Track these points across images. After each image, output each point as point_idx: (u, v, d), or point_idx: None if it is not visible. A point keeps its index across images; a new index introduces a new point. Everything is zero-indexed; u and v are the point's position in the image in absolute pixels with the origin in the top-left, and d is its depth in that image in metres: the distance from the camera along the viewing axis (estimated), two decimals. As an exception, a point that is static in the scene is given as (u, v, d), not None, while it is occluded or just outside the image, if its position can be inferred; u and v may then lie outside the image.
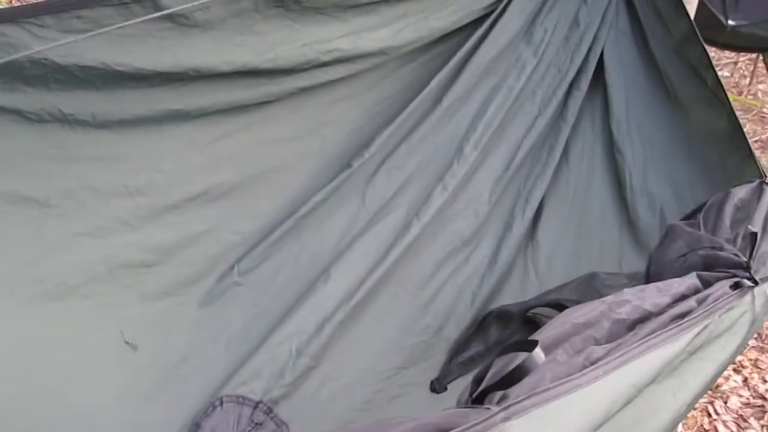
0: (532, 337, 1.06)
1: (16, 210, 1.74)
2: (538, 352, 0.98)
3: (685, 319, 1.19)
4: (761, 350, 4.67)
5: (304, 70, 1.99)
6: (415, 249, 2.20)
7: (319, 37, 1.98)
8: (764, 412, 4.15)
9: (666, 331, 1.13)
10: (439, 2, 2.19)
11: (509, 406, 0.95)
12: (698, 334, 1.22)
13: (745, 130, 6.76)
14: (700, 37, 2.10)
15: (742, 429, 3.99)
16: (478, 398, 1.02)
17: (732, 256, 1.45)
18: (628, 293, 1.23)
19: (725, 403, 4.16)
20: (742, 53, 8.20)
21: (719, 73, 7.22)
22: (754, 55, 7.58)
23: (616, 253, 2.17)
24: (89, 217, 1.83)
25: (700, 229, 1.65)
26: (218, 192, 2.01)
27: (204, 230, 2.01)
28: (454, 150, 2.22)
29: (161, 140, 1.89)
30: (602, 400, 1.02)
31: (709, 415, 4.06)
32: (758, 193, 1.74)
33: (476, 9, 2.28)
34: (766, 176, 1.80)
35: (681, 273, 1.49)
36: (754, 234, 1.43)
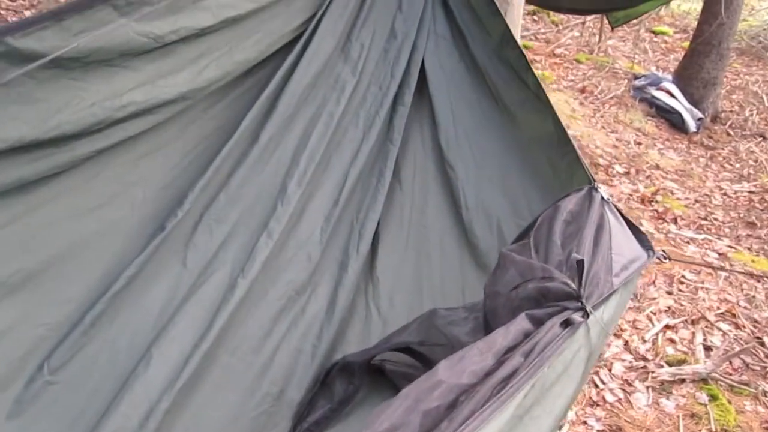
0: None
1: None
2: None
3: (510, 385, 1.10)
4: (638, 310, 4.78)
5: (98, 130, 1.79)
6: (245, 310, 2.07)
7: (108, 92, 1.80)
8: (647, 372, 4.24)
9: (487, 407, 1.03)
10: (242, 32, 2.04)
11: None
12: (527, 394, 1.12)
13: (600, 87, 6.88)
14: (517, 39, 2.03)
15: (629, 393, 4.07)
16: None
17: (562, 285, 1.38)
18: (442, 369, 1.14)
19: (610, 370, 4.24)
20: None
21: (570, 34, 7.39)
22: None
23: (458, 279, 2.11)
24: None
25: (531, 252, 1.58)
26: (14, 283, 1.78)
27: (2, 329, 1.77)
28: (277, 191, 2.10)
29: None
30: None
31: (596, 386, 4.12)
32: (588, 200, 1.69)
33: (285, 33, 2.16)
34: (594, 181, 1.75)
35: (514, 307, 1.43)
36: (581, 262, 1.36)
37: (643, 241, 1.69)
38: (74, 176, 1.85)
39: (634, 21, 8.12)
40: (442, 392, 1.10)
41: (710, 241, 5.80)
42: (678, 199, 6.49)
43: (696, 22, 8.45)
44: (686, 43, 8.79)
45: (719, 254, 5.61)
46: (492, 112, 2.18)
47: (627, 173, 6.71)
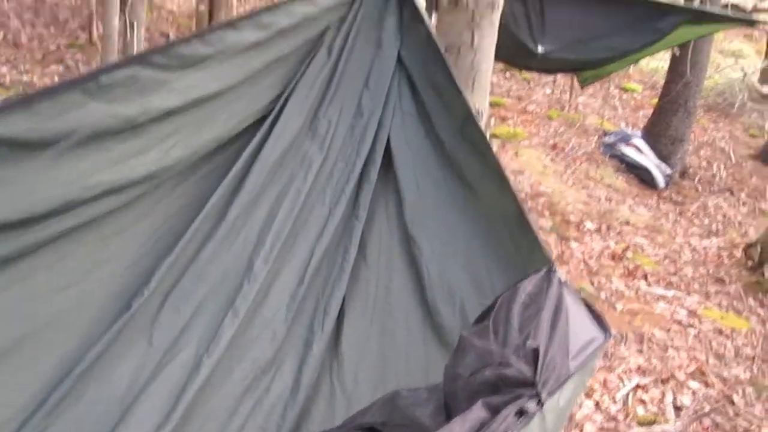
0: None
1: None
2: None
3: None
4: (609, 369, 4.82)
5: (67, 210, 1.81)
6: (210, 389, 2.08)
7: (78, 173, 1.83)
8: (617, 433, 4.26)
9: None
10: (211, 111, 2.08)
11: None
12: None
13: (571, 144, 7.04)
14: (477, 119, 2.09)
15: (599, 455, 4.10)
16: None
17: (518, 374, 1.41)
18: None
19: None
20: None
21: (541, 91, 7.59)
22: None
23: (422, 357, 2.14)
24: None
25: (490, 335, 1.61)
26: None
27: None
28: (244, 269, 2.12)
29: None
30: None
31: (567, 449, 4.13)
32: (546, 282, 1.73)
33: (254, 111, 2.20)
34: (552, 263, 1.79)
35: (473, 391, 1.46)
36: (536, 350, 1.40)
37: (600, 323, 1.73)
38: (43, 256, 1.86)
39: (604, 78, 8.32)
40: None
41: (680, 298, 5.88)
42: (648, 255, 6.58)
43: (664, 80, 8.67)
44: (655, 100, 9.00)
45: (689, 311, 5.68)
46: (456, 190, 2.22)
47: (598, 229, 6.81)
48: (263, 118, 2.22)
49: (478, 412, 1.35)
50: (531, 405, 1.37)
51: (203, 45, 1.98)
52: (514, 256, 2.04)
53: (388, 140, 2.30)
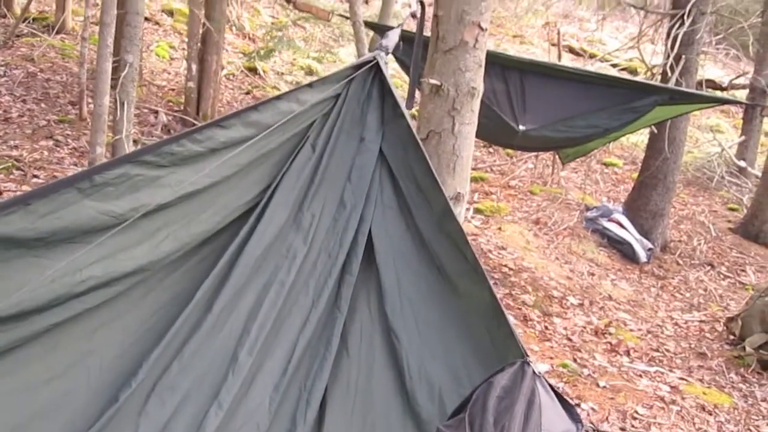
0: None
1: None
2: None
3: None
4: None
5: (58, 304, 1.88)
6: None
7: (69, 268, 1.92)
8: None
9: None
10: (200, 205, 2.18)
11: None
12: None
13: (553, 219, 7.16)
14: (455, 214, 2.19)
15: None
16: None
17: (492, 467, 1.48)
18: None
19: None
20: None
21: (524, 166, 7.74)
22: (551, 151, 8.21)
23: None
24: None
25: (466, 428, 1.68)
26: None
27: None
28: (229, 360, 2.20)
29: None
30: None
31: None
32: (520, 374, 1.81)
33: (241, 204, 2.31)
34: (527, 355, 1.87)
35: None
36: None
37: (573, 414, 1.81)
38: (32, 348, 1.93)
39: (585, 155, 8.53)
40: None
41: (662, 373, 5.93)
42: (631, 330, 6.65)
43: (643, 155, 8.88)
44: (635, 175, 9.19)
45: (671, 387, 5.72)
46: (435, 283, 2.32)
47: (581, 304, 6.89)
48: (250, 211, 2.32)
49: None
50: (503, 501, 1.44)
51: (193, 143, 2.09)
52: (490, 348, 2.12)
53: (370, 233, 2.40)
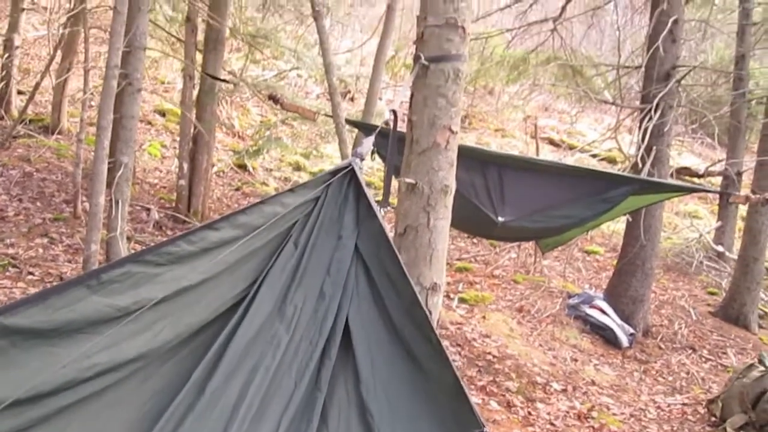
0: None
1: None
2: None
3: None
4: None
5: (68, 389, 2.15)
6: None
7: (78, 355, 2.20)
8: None
9: None
10: (195, 298, 2.48)
11: None
12: None
13: (536, 306, 7.49)
14: (423, 304, 2.49)
15: None
16: None
17: None
18: None
19: None
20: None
21: (507, 255, 8.05)
22: (531, 241, 8.53)
23: None
24: None
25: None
26: None
27: None
28: None
29: None
30: None
31: None
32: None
33: (230, 297, 2.60)
34: (484, 425, 2.14)
35: None
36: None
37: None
38: (43, 429, 2.19)
39: (564, 244, 8.86)
40: None
41: (644, 459, 6.10)
42: (614, 414, 6.83)
43: (622, 242, 9.22)
44: (616, 262, 9.51)
45: (653, 470, 5.89)
46: (405, 365, 2.61)
47: (564, 390, 7.08)
48: (239, 303, 2.63)
49: None
50: None
51: (188, 244, 2.41)
52: (453, 421, 2.39)
53: (347, 321, 2.70)
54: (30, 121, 10.61)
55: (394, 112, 3.51)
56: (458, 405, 2.38)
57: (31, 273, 6.99)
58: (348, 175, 2.83)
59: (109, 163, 6.37)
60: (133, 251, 7.40)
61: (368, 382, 2.62)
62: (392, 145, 3.54)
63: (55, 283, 6.85)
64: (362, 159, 2.96)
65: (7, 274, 6.89)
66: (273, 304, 2.66)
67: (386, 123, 3.50)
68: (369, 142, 3.14)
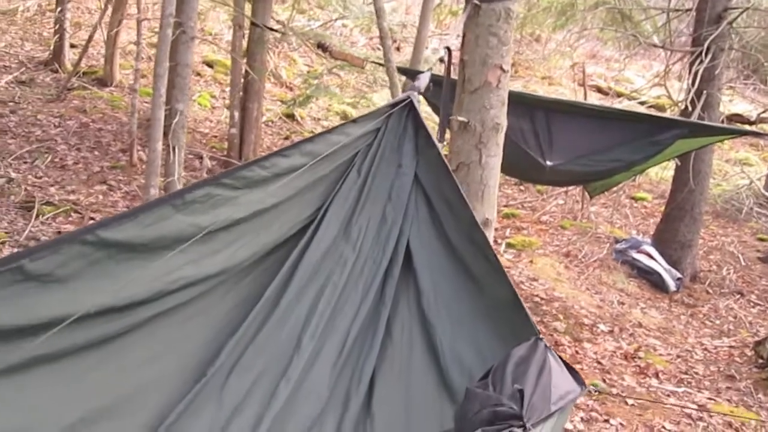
0: None
1: None
2: None
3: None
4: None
5: (156, 299, 2.38)
6: None
7: (165, 269, 2.42)
8: None
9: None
10: (268, 220, 2.70)
11: None
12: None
13: (583, 251, 7.60)
14: (493, 218, 2.67)
15: None
16: None
17: (509, 410, 1.93)
18: None
19: None
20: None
21: (554, 202, 8.18)
22: (579, 186, 8.61)
23: (438, 413, 2.69)
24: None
25: (489, 387, 2.13)
26: (93, 418, 2.36)
27: None
28: (294, 345, 2.72)
29: (33, 383, 2.21)
30: None
31: None
32: (534, 347, 2.26)
33: (300, 220, 2.83)
34: (539, 333, 2.32)
35: (475, 428, 1.96)
36: (521, 390, 1.92)
37: (577, 378, 2.26)
38: (137, 335, 2.45)
39: (614, 189, 8.92)
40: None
41: (690, 393, 6.25)
42: (660, 354, 6.98)
43: (670, 188, 9.26)
44: (663, 207, 9.55)
45: (699, 406, 6.04)
46: (463, 282, 2.81)
47: (611, 331, 7.24)
48: (308, 225, 2.85)
49: (478, 435, 1.87)
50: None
51: (261, 169, 2.61)
52: (510, 331, 2.59)
53: (408, 243, 2.90)
54: (83, 73, 10.91)
55: (449, 50, 3.65)
56: (515, 316, 2.57)
57: (92, 218, 7.31)
58: (406, 108, 2.99)
59: (164, 110, 6.60)
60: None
61: (429, 297, 2.83)
62: (447, 81, 3.69)
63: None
64: (420, 92, 3.12)
65: (70, 219, 7.23)
66: (339, 226, 2.87)
67: (441, 60, 3.64)
68: (425, 77, 3.29)
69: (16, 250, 6.35)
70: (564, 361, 2.31)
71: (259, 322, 2.72)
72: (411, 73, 7.59)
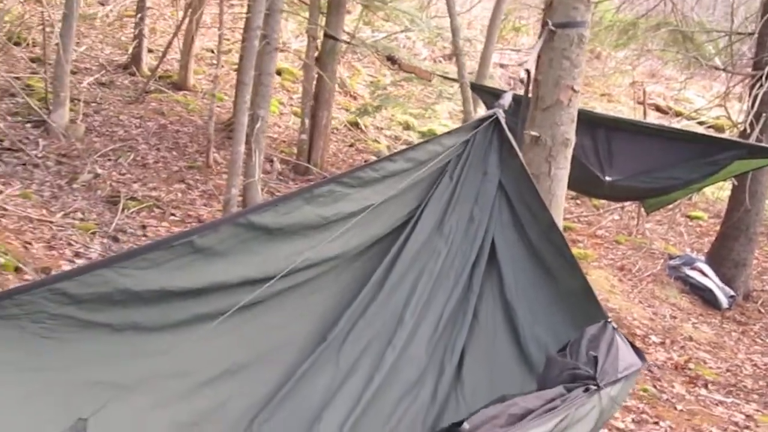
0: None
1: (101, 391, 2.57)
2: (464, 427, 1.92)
3: (552, 412, 2.14)
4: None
5: (286, 275, 2.92)
6: (377, 397, 3.19)
7: (293, 250, 2.98)
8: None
9: (539, 417, 2.07)
10: (375, 215, 3.23)
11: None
12: (561, 420, 2.17)
13: (638, 266, 8.05)
14: (559, 223, 3.17)
15: None
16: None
17: (585, 372, 2.44)
18: (518, 400, 2.20)
19: None
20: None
21: (610, 217, 8.63)
22: (636, 202, 8.99)
23: (518, 382, 3.17)
24: (153, 394, 2.68)
25: (567, 356, 2.64)
26: (234, 369, 2.95)
27: (227, 397, 2.90)
28: (397, 320, 3.25)
29: (194, 336, 2.78)
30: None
31: None
32: (604, 328, 2.76)
33: (402, 216, 3.37)
34: (608, 317, 2.81)
35: (556, 385, 2.47)
36: (596, 357, 2.43)
37: (640, 355, 2.76)
38: (269, 304, 3.01)
39: (670, 206, 9.26)
40: (518, 409, 2.15)
41: (738, 404, 6.61)
42: (710, 367, 7.34)
43: (726, 207, 9.58)
44: (719, 227, 9.88)
45: (746, 416, 6.41)
46: (542, 275, 3.33)
47: (662, 343, 7.63)
48: (407, 221, 3.40)
49: (560, 389, 2.37)
50: (593, 388, 2.39)
51: (373, 171, 3.16)
52: (582, 316, 3.08)
53: (492, 240, 3.42)
54: (159, 77, 11.64)
55: (528, 72, 4.16)
56: (587, 303, 3.08)
57: (173, 214, 7.94)
58: (492, 123, 3.50)
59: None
60: (267, 195, 8.31)
61: (511, 287, 3.36)
62: (526, 99, 4.19)
63: (193, 225, 7.81)
64: (504, 110, 3.62)
65: (152, 214, 7.86)
66: (434, 223, 3.41)
67: (520, 80, 4.15)
68: (509, 96, 3.79)
69: (105, 240, 7.00)
70: (629, 340, 2.81)
71: (368, 300, 3.28)
72: (480, 89, 8.09)
